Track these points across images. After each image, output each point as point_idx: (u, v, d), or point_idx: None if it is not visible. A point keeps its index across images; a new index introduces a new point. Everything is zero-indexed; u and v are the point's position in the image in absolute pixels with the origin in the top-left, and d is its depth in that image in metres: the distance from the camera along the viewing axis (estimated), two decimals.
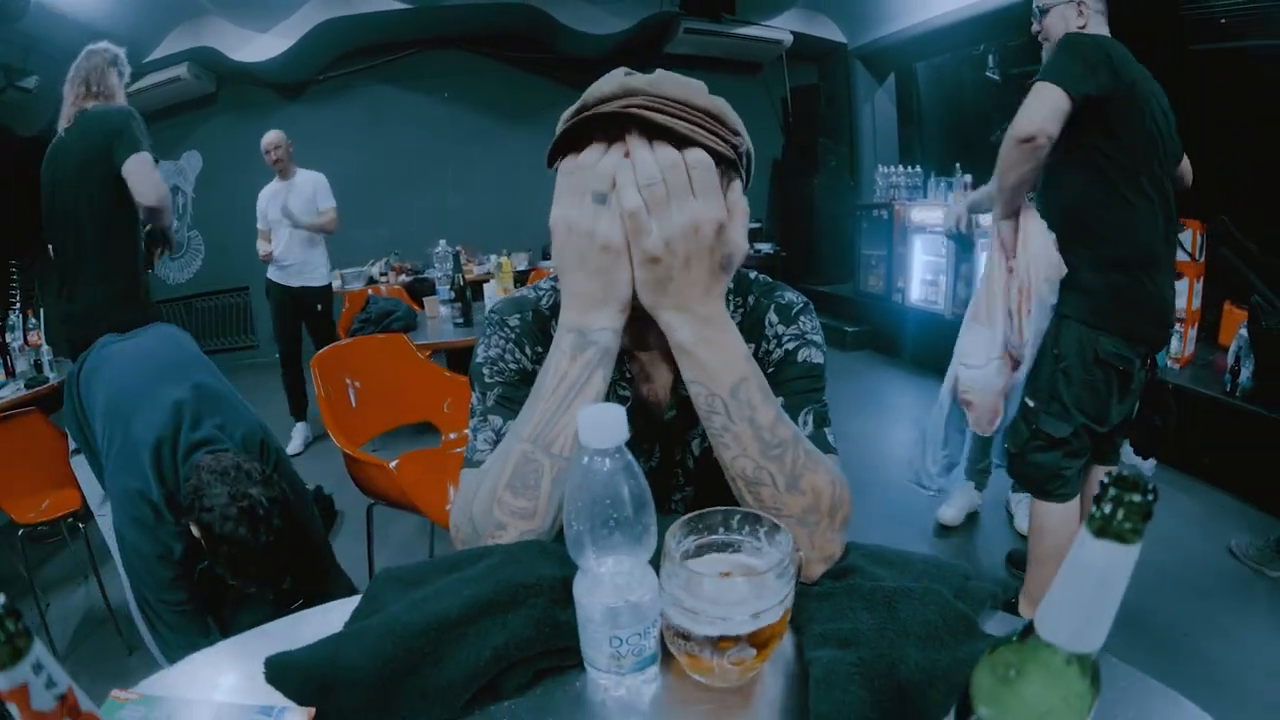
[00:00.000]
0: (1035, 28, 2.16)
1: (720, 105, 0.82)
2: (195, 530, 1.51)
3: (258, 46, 5.96)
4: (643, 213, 0.72)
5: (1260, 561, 2.79)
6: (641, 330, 0.83)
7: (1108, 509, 0.34)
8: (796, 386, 0.89)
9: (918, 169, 5.85)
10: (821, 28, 6.99)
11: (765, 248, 7.15)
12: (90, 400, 1.81)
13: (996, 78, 6.50)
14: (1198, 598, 2.54)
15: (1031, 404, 2.06)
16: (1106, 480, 0.34)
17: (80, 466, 2.01)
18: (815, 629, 0.65)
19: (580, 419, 0.57)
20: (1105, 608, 0.36)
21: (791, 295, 0.98)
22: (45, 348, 3.72)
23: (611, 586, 0.59)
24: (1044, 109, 1.79)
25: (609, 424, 0.57)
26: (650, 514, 0.59)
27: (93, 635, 2.72)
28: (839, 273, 6.97)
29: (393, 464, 1.86)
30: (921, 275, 5.55)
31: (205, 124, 6.59)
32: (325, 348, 2.25)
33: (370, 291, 4.50)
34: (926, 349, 5.13)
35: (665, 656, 0.65)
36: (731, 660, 0.60)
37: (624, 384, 0.90)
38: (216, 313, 6.83)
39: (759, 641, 0.59)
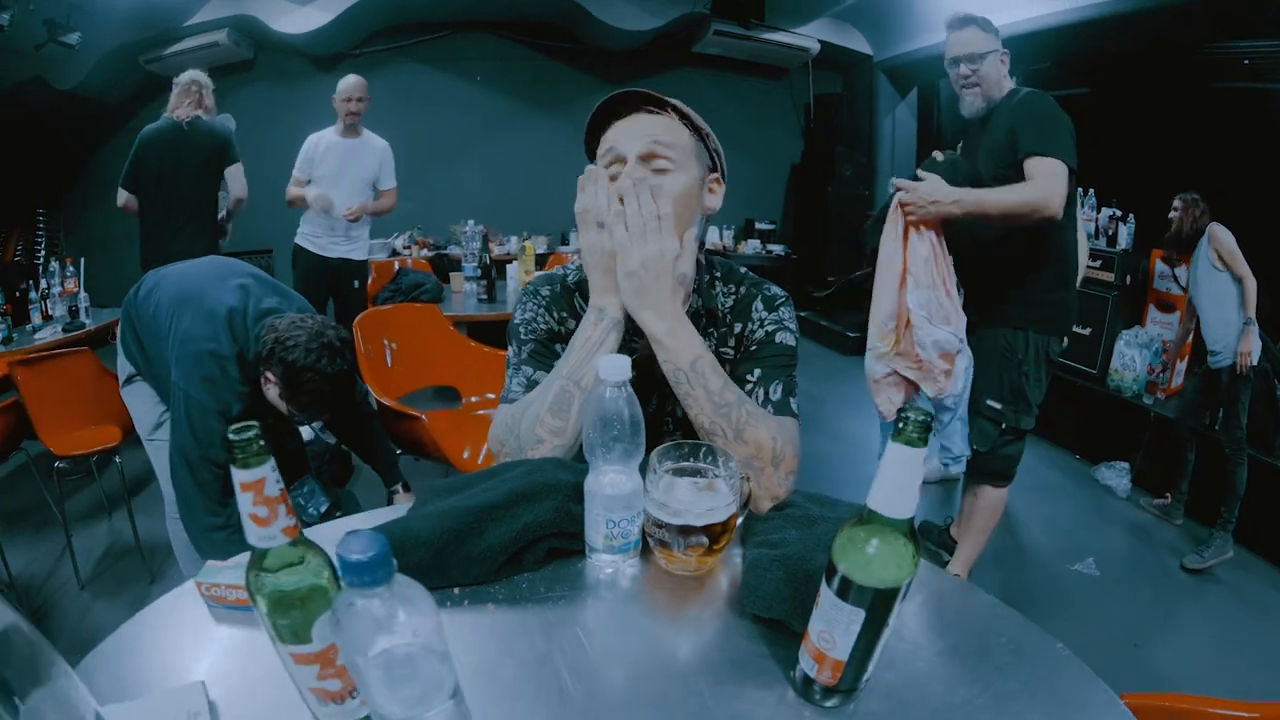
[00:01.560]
0: (964, 71, 2.23)
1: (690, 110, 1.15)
2: (273, 376, 1.75)
3: (298, 18, 6.11)
4: (626, 243, 1.01)
5: (1166, 512, 3.56)
6: None
7: (903, 425, 0.59)
8: (773, 361, 1.15)
9: None
10: (849, 38, 7.16)
11: (777, 249, 7.38)
12: (146, 314, 1.99)
13: None
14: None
15: (998, 406, 2.34)
16: (901, 410, 0.59)
17: (132, 395, 2.21)
18: (754, 539, 0.91)
19: (599, 361, 0.85)
20: (909, 487, 0.61)
21: (776, 289, 1.24)
22: (83, 294, 3.97)
23: (610, 482, 0.85)
24: (1063, 189, 2.02)
25: (618, 365, 0.84)
26: (641, 434, 0.85)
27: (115, 565, 2.92)
28: (846, 267, 7.18)
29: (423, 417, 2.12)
30: None
31: (240, 90, 6.72)
32: (366, 311, 2.51)
33: (398, 264, 4.69)
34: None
35: (645, 553, 0.92)
36: (690, 547, 0.86)
37: (635, 341, 1.16)
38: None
39: (712, 535, 0.85)
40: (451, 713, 0.54)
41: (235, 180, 3.78)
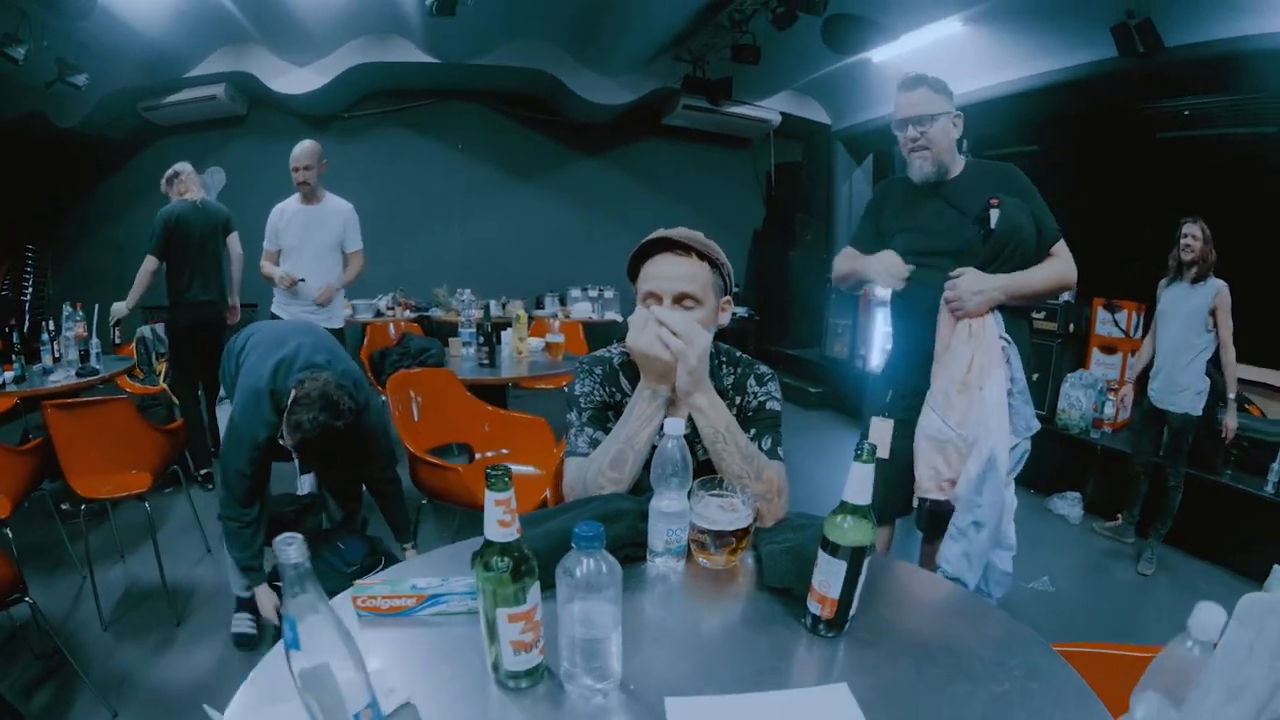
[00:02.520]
0: (912, 134, 2.17)
1: (713, 245, 1.51)
2: (286, 426, 2.15)
3: (294, 79, 6.48)
4: (683, 349, 1.37)
5: (1117, 532, 3.95)
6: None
7: (859, 451, 1.00)
8: (765, 423, 1.54)
9: None
10: (809, 109, 7.78)
11: (740, 311, 7.77)
12: (238, 350, 2.55)
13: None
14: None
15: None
16: (859, 442, 0.99)
17: (223, 410, 2.77)
18: (765, 541, 1.29)
19: (668, 422, 1.25)
20: (865, 487, 1.02)
21: (764, 368, 1.63)
22: (94, 340, 4.15)
23: (668, 503, 1.24)
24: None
25: (678, 425, 1.24)
26: (689, 471, 1.25)
27: (137, 607, 3.05)
28: (808, 338, 7.75)
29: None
30: (882, 344, 6.25)
31: (232, 143, 7.04)
32: (401, 371, 2.89)
33: (392, 327, 5.00)
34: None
35: (688, 557, 1.30)
36: (722, 547, 1.25)
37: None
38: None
39: (736, 538, 1.25)
40: (617, 641, 0.93)
41: (234, 244, 4.48)
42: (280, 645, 0.76)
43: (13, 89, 5.60)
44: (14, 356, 3.64)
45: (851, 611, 1.08)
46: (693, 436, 1.45)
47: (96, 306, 4.35)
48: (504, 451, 2.85)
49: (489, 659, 0.95)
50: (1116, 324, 4.79)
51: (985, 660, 1.04)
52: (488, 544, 0.89)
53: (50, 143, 6.61)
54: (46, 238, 6.92)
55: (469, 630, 1.05)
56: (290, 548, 0.68)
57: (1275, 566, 3.31)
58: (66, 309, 4.11)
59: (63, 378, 3.75)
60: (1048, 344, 4.86)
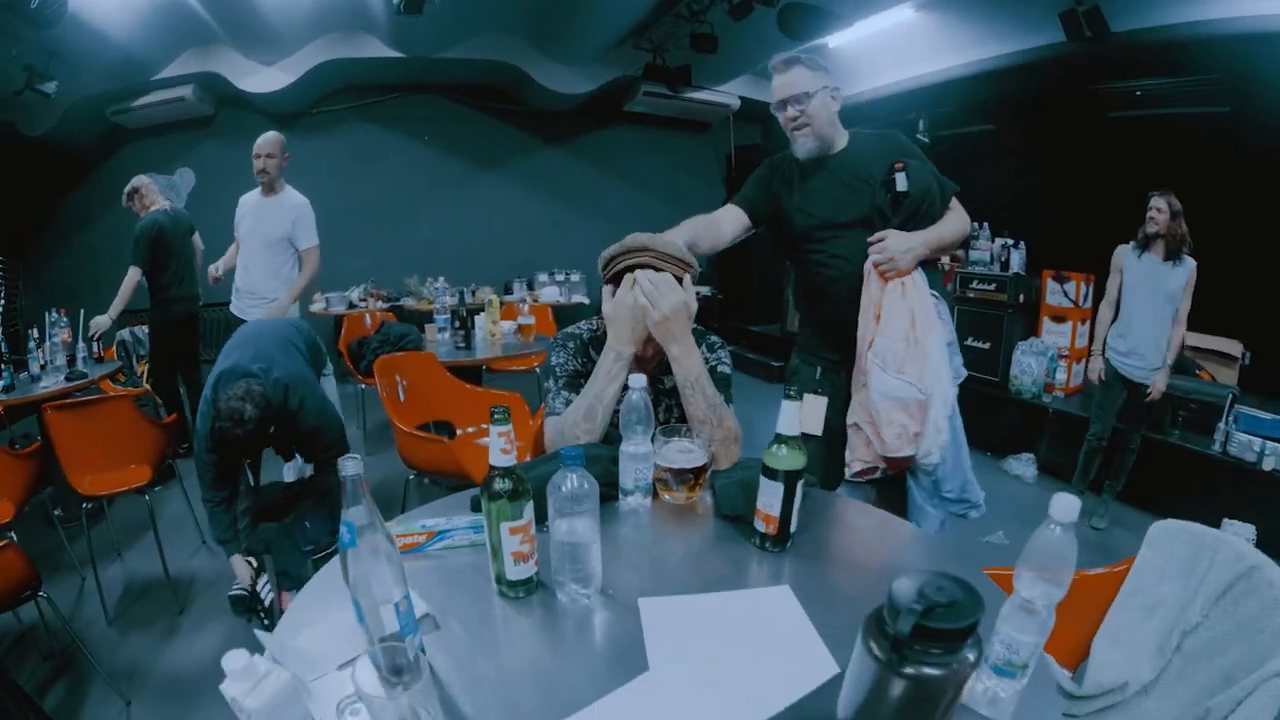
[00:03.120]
0: (791, 114, 2.17)
1: (682, 248, 1.68)
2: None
3: (262, 78, 6.56)
4: (648, 304, 1.59)
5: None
6: (643, 352, 1.68)
7: (790, 391, 1.23)
8: (719, 383, 1.74)
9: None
10: (767, 93, 7.84)
11: (705, 291, 8.02)
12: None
13: (926, 140, 7.58)
14: None
15: None
16: (789, 382, 1.22)
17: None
18: (719, 479, 1.51)
19: (632, 377, 1.45)
20: (793, 420, 1.24)
21: (715, 339, 1.86)
22: (80, 345, 4.28)
23: (635, 447, 1.45)
24: None
25: (641, 380, 1.45)
26: (652, 419, 1.46)
27: (139, 600, 3.18)
28: (769, 315, 8.05)
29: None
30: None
31: (201, 144, 7.08)
32: (384, 356, 3.08)
33: (368, 316, 5.17)
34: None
35: (654, 495, 1.51)
36: (683, 484, 1.47)
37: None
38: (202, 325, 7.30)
39: (695, 474, 1.47)
40: (597, 552, 1.14)
41: (198, 242, 4.95)
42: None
43: None
44: (2, 366, 3.74)
45: (792, 528, 1.30)
46: (654, 396, 1.66)
47: (82, 312, 4.47)
48: (484, 426, 3.01)
49: (493, 574, 1.17)
50: (1065, 294, 5.06)
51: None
52: (492, 470, 1.10)
53: (18, 151, 6.57)
54: (17, 249, 6.92)
55: (473, 560, 1.27)
56: (350, 462, 0.88)
57: (1225, 520, 3.64)
58: (52, 315, 4.21)
59: (52, 383, 3.84)
60: (999, 314, 5.13)
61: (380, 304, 6.75)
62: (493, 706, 0.92)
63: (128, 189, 4.66)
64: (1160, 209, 3.66)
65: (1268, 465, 3.68)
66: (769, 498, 1.27)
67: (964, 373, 2.24)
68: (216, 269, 4.31)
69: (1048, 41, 5.19)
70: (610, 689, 0.94)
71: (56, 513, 3.59)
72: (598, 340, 1.78)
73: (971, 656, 0.67)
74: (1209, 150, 5.07)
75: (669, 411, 1.80)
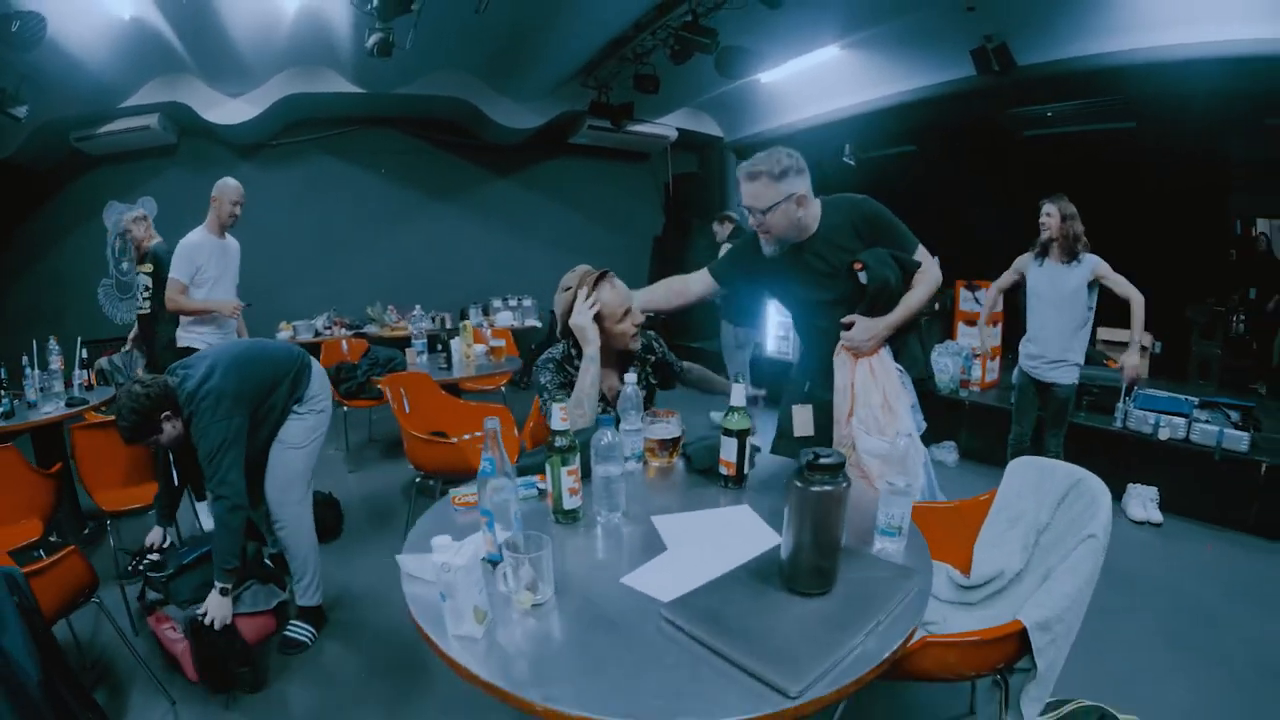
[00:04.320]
0: (755, 220, 2.30)
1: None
2: None
3: (227, 110, 6.89)
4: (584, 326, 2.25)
5: None
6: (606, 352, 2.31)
7: (737, 376, 1.87)
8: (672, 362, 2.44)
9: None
10: (703, 124, 8.76)
11: (647, 312, 8.66)
12: None
13: (852, 163, 8.39)
14: None
15: None
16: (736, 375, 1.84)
17: None
18: (689, 446, 2.14)
19: (626, 377, 2.07)
20: (742, 397, 1.89)
21: (653, 334, 2.53)
22: (79, 372, 4.39)
23: (629, 425, 2.09)
24: None
25: (631, 378, 2.06)
26: (641, 407, 2.11)
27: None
28: (707, 331, 8.66)
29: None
30: (776, 333, 7.31)
31: (163, 173, 7.41)
32: (389, 375, 3.63)
33: (365, 346, 5.64)
34: (777, 390, 6.83)
35: (645, 462, 2.13)
36: (665, 450, 2.11)
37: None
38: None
39: (674, 443, 2.12)
40: (623, 488, 1.75)
41: None
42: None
43: None
44: (1, 393, 3.83)
45: (746, 471, 1.94)
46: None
47: (79, 340, 4.67)
48: (477, 434, 3.55)
49: (551, 509, 1.76)
50: (976, 300, 5.82)
51: None
52: (554, 433, 1.69)
53: None
54: None
55: (529, 508, 1.83)
56: (489, 420, 1.47)
57: (1130, 484, 4.32)
58: (51, 343, 4.37)
59: (54, 409, 3.97)
60: (916, 320, 5.84)
61: (344, 331, 7.20)
62: (569, 578, 1.51)
63: (139, 215, 4.86)
64: (1050, 214, 3.88)
65: (1163, 435, 4.35)
66: (728, 452, 1.91)
67: (924, 425, 2.53)
68: (235, 305, 4.43)
69: (961, 75, 5.90)
70: (643, 564, 1.55)
71: (54, 538, 3.55)
72: (569, 358, 2.40)
73: (845, 484, 1.32)
74: (1116, 162, 5.93)
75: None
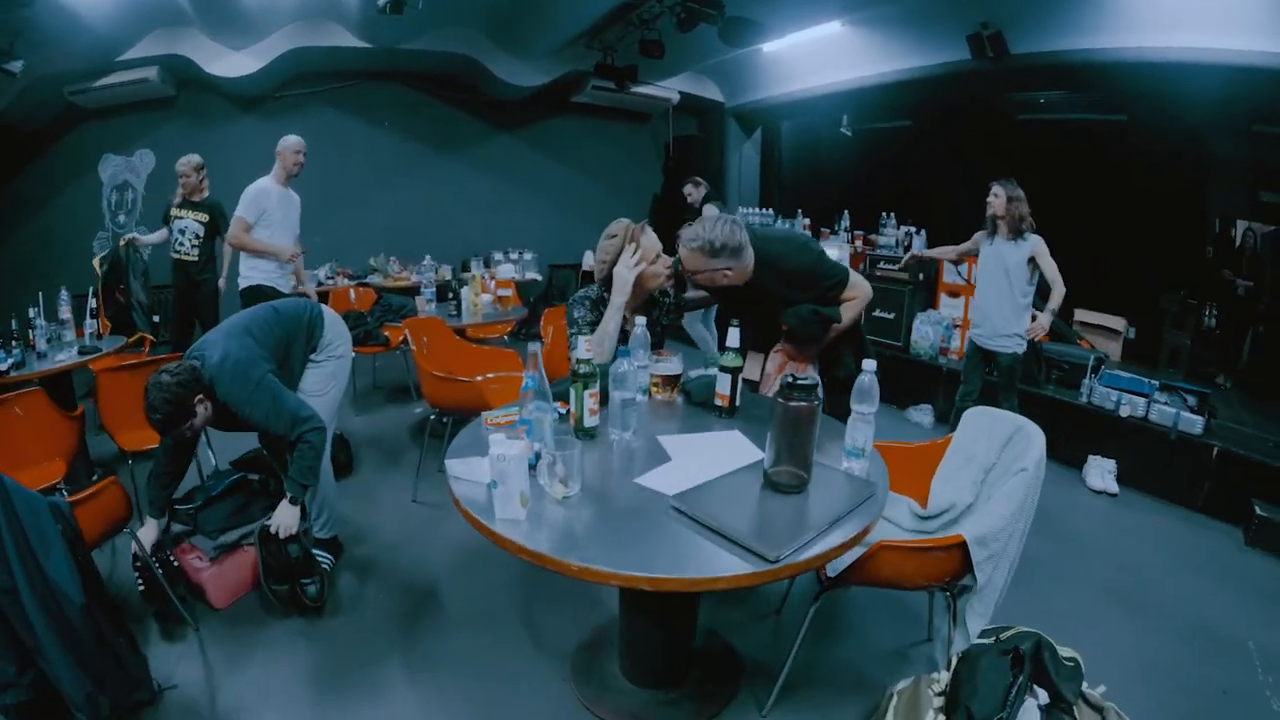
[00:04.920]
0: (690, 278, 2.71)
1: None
2: None
3: (230, 63, 6.88)
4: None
5: None
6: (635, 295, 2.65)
7: (733, 320, 2.24)
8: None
9: (769, 211, 7.85)
10: (704, 88, 8.99)
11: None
12: None
13: (848, 133, 8.69)
14: None
15: None
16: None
17: None
18: (689, 381, 2.53)
19: (637, 320, 2.42)
20: (736, 340, 2.26)
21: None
22: (89, 321, 4.52)
23: (638, 362, 2.42)
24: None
25: (641, 321, 2.43)
26: (649, 346, 2.46)
27: None
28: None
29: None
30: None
31: (161, 126, 7.36)
32: (412, 318, 3.96)
33: (375, 294, 5.93)
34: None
35: (650, 395, 2.48)
36: (668, 385, 2.47)
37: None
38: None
39: (675, 379, 2.51)
40: (635, 413, 2.10)
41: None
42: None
43: None
44: (12, 343, 3.98)
45: (737, 404, 2.31)
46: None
47: (91, 289, 4.93)
48: (489, 375, 3.82)
49: (573, 425, 2.11)
50: (959, 274, 6.15)
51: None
52: (577, 361, 2.04)
53: None
54: None
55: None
56: (531, 344, 1.80)
57: (1090, 455, 4.65)
58: (62, 293, 4.64)
59: (67, 357, 4.17)
60: (901, 290, 6.24)
61: (346, 281, 7.45)
62: (590, 480, 1.86)
63: (200, 162, 5.15)
64: (997, 194, 4.23)
65: (1124, 412, 4.65)
66: (723, 386, 2.28)
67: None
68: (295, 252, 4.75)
69: (956, 58, 6.13)
70: (652, 470, 1.90)
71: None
72: (602, 300, 2.71)
73: (816, 401, 1.69)
74: (1106, 152, 6.23)
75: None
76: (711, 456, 1.97)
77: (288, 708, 2.44)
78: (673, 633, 2.37)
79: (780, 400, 1.71)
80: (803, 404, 1.69)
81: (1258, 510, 3.89)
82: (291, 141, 4.70)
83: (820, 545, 1.56)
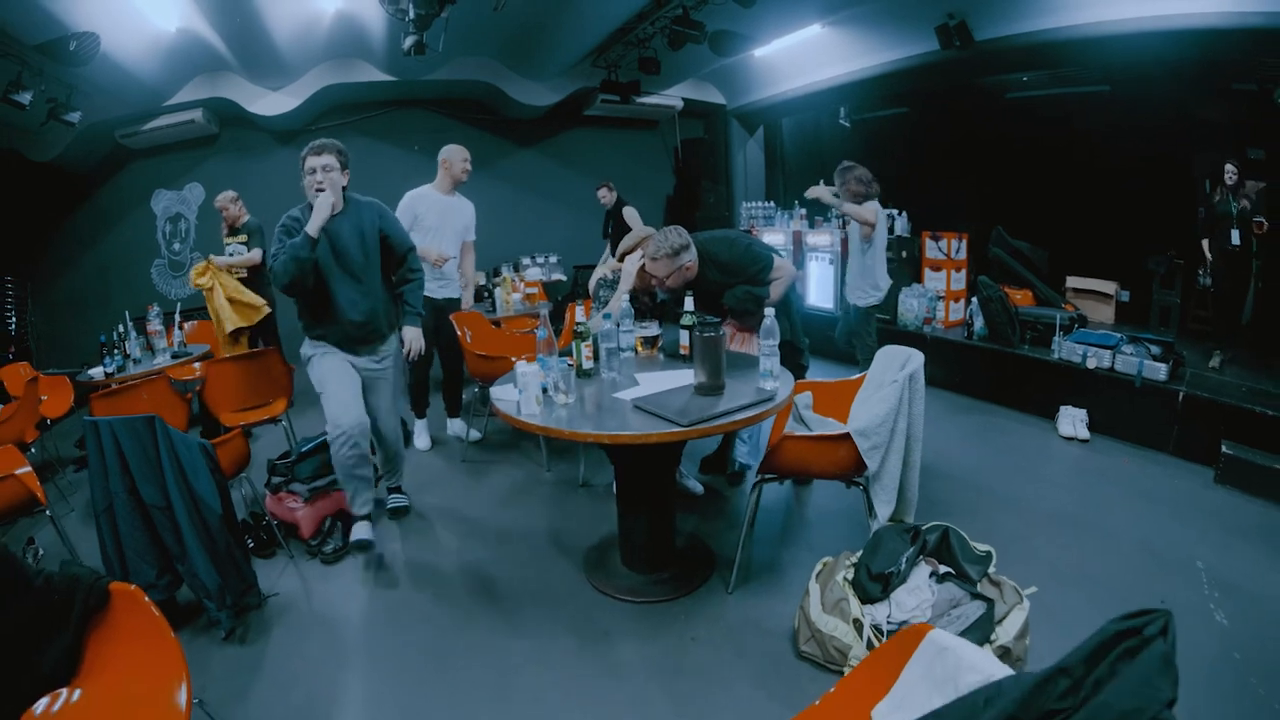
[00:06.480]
0: (655, 281, 3.64)
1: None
2: None
3: (269, 102, 8.00)
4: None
5: None
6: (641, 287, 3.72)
7: (689, 293, 3.25)
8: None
9: (771, 204, 8.81)
10: (707, 93, 10.02)
11: None
12: None
13: (847, 124, 9.51)
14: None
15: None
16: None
17: None
18: (665, 342, 3.52)
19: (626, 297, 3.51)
20: (691, 305, 3.27)
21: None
22: (178, 333, 5.77)
23: (626, 327, 3.46)
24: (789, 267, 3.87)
25: (625, 300, 3.50)
26: (632, 314, 3.52)
27: None
28: None
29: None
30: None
31: (206, 160, 8.52)
32: (457, 312, 5.04)
33: None
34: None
35: (636, 352, 3.52)
36: (649, 344, 3.55)
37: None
38: None
39: (654, 341, 3.58)
40: (617, 355, 3.14)
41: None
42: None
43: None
44: (112, 353, 5.05)
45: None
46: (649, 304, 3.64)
47: (178, 306, 6.12)
48: (525, 357, 4.73)
49: (574, 367, 3.14)
50: (939, 249, 6.97)
51: None
52: (578, 323, 3.09)
53: (24, 176, 7.57)
54: (24, 269, 7.99)
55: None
56: (580, 308, 2.82)
57: (1062, 406, 5.24)
58: (155, 310, 5.66)
59: (163, 361, 5.32)
60: (888, 266, 7.02)
61: None
62: (585, 398, 2.91)
63: (232, 196, 6.13)
64: (836, 180, 5.47)
65: (1090, 364, 5.19)
66: (683, 339, 3.31)
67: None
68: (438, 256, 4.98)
69: (930, 49, 6.91)
70: (625, 390, 2.93)
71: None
72: (614, 283, 3.75)
73: (721, 333, 2.76)
74: (1093, 122, 6.83)
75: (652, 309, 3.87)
76: (668, 383, 3.00)
77: (369, 605, 3.41)
78: (657, 529, 3.35)
79: (697, 334, 2.75)
80: (710, 335, 2.72)
81: (1225, 449, 4.23)
82: (456, 149, 5.07)
83: (720, 421, 2.59)
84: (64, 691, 1.95)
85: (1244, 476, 4.10)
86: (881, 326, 6.87)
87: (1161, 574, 3.28)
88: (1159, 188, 6.59)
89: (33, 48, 5.37)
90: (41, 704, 1.91)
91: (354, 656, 3.02)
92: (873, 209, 5.24)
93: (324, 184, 3.47)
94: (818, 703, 1.76)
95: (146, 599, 1.95)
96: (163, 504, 2.98)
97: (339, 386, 3.57)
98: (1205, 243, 5.53)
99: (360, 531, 3.66)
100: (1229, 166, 5.24)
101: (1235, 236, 5.71)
